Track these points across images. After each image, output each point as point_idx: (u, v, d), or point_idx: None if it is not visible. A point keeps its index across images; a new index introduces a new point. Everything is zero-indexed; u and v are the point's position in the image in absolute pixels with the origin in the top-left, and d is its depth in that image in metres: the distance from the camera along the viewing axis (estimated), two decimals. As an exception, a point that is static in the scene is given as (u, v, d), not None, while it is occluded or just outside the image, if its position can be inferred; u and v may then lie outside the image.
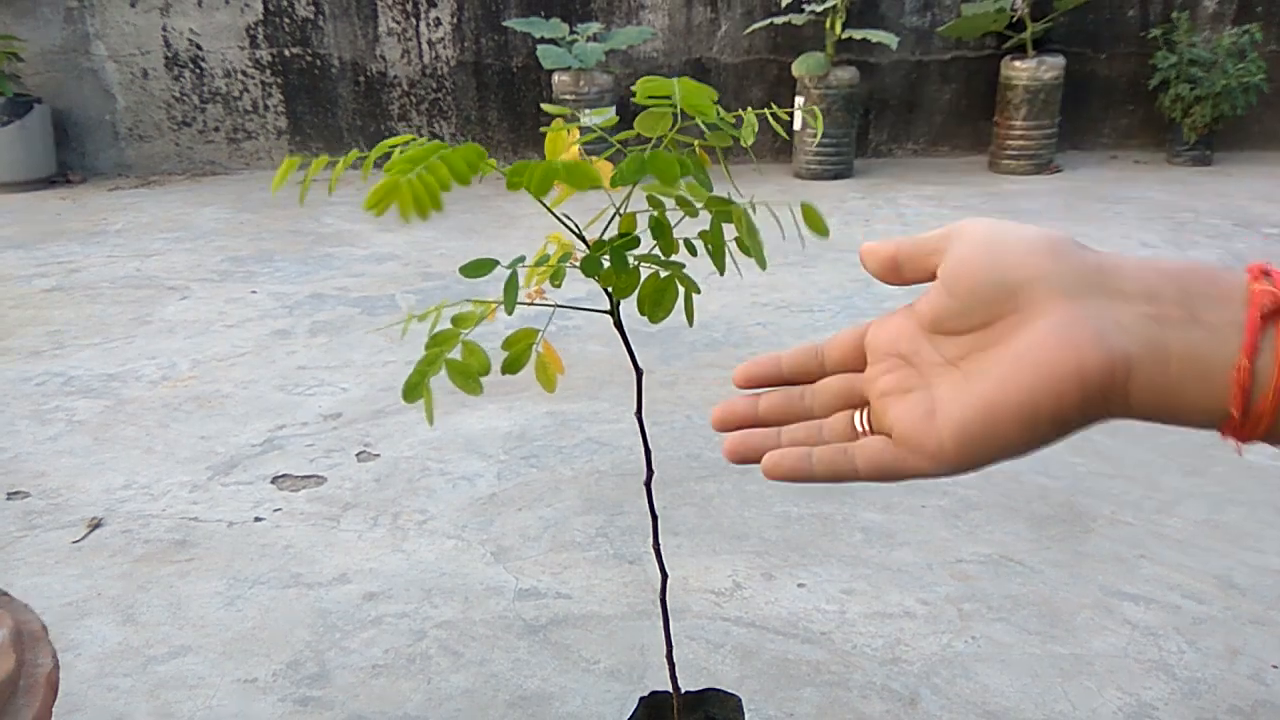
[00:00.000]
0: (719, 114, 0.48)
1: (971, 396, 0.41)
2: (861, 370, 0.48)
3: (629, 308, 0.64)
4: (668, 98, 0.47)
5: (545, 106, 0.54)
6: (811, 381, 0.49)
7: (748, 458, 0.47)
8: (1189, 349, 0.37)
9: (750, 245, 0.52)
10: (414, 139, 0.40)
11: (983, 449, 0.41)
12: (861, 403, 0.48)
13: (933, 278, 0.45)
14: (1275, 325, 0.37)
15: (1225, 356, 0.37)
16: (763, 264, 0.54)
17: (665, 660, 0.91)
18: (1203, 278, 0.38)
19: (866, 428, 0.46)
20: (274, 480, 1.99)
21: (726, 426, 0.49)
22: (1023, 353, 0.39)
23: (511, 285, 0.48)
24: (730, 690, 0.99)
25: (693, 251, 0.56)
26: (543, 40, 4.62)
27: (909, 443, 0.43)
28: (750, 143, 0.49)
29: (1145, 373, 0.38)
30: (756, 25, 4.72)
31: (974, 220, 0.44)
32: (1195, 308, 0.38)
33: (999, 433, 0.40)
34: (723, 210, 0.53)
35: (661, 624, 0.90)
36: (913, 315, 0.46)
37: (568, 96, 4.61)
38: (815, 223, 0.53)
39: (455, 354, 0.48)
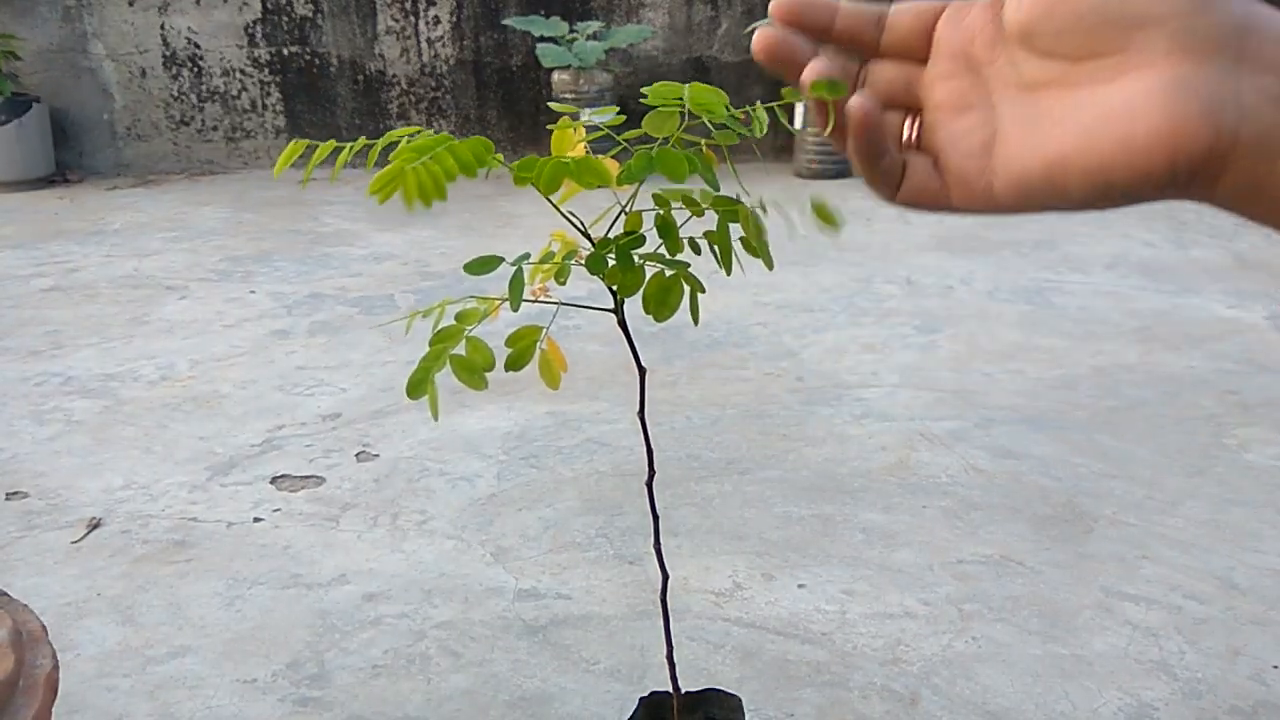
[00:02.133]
0: (728, 110, 0.47)
1: (1039, 146, 0.35)
2: (924, 60, 0.40)
3: (631, 306, 0.64)
4: (679, 99, 0.47)
5: (554, 105, 0.53)
6: (863, 56, 0.41)
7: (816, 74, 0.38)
8: None
9: (757, 245, 0.51)
10: (421, 130, 0.40)
11: (1037, 201, 0.36)
12: (917, 106, 0.40)
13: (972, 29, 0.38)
14: None
15: None
16: (769, 264, 0.53)
17: (665, 660, 0.90)
18: None
19: (914, 139, 0.39)
20: (273, 481, 1.98)
21: (771, 55, 0.40)
22: (1115, 110, 0.33)
23: (517, 282, 0.48)
24: (730, 690, 0.99)
25: (697, 251, 0.56)
26: (542, 39, 4.61)
27: (956, 177, 0.37)
28: (763, 134, 0.48)
29: (1249, 163, 0.32)
30: (757, 23, 4.72)
31: None
32: None
33: (1060, 191, 0.35)
34: (729, 210, 0.53)
35: (662, 624, 0.90)
36: (998, 14, 0.38)
37: (567, 95, 4.61)
38: (827, 218, 0.52)
39: (460, 349, 0.48)
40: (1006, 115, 0.37)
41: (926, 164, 0.38)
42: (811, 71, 0.38)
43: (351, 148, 0.43)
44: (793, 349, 2.61)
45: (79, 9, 4.85)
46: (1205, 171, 0.32)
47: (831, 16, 0.39)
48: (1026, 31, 0.36)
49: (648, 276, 0.56)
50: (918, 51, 0.40)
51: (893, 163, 0.38)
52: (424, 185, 0.36)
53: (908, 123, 0.40)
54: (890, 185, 0.38)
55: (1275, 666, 1.40)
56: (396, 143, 0.44)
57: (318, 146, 0.46)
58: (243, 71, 4.98)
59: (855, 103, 0.36)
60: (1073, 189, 0.34)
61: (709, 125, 0.49)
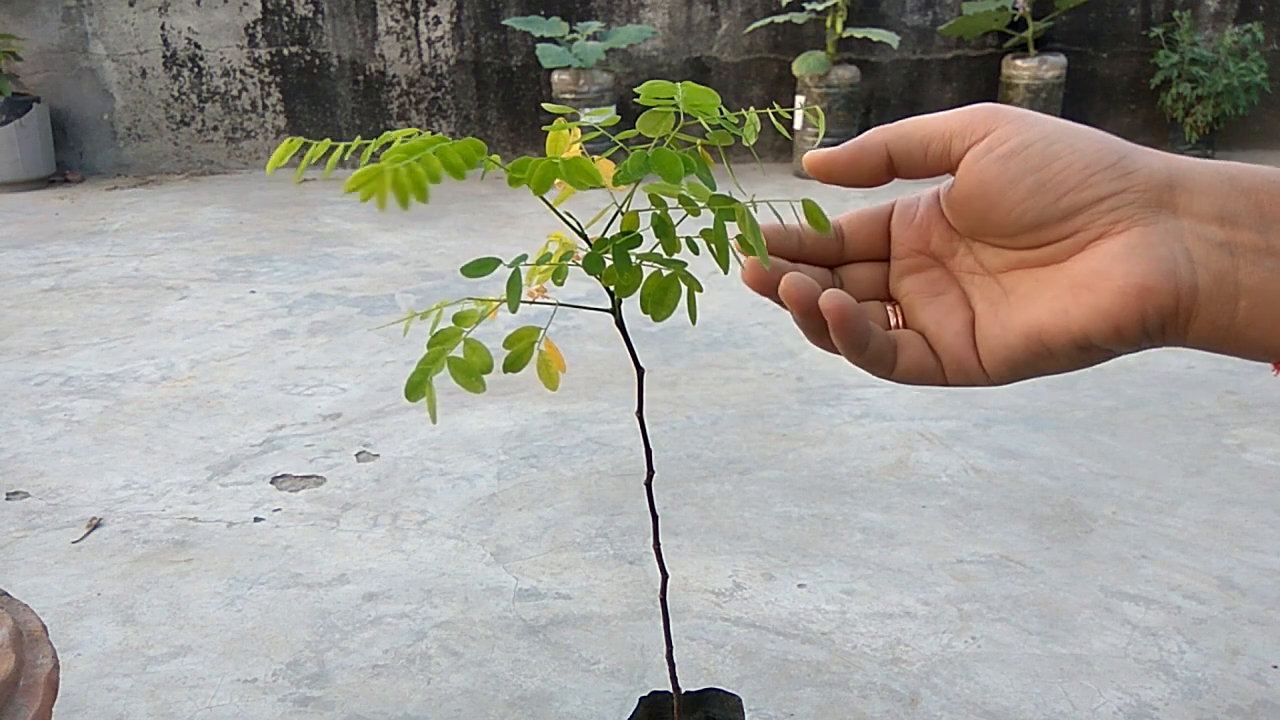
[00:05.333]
0: (722, 113, 0.47)
1: (1019, 321, 0.37)
2: (885, 258, 0.43)
3: (630, 307, 0.64)
4: (670, 99, 0.47)
5: (547, 106, 0.53)
6: (831, 264, 0.44)
7: (801, 299, 0.41)
8: (1261, 283, 0.34)
9: (754, 243, 0.52)
10: (418, 132, 0.40)
11: (1026, 372, 0.38)
12: (892, 297, 0.43)
13: (942, 173, 0.40)
14: None
15: None
16: (766, 262, 0.54)
17: (665, 660, 0.90)
18: None
19: (899, 322, 0.42)
20: (273, 480, 1.98)
21: (760, 289, 0.43)
22: (1081, 281, 0.36)
23: (515, 283, 0.48)
24: (730, 690, 0.99)
25: (695, 250, 0.56)
26: (542, 39, 4.62)
27: (947, 355, 0.39)
28: (753, 142, 0.48)
29: (1211, 308, 0.34)
30: (757, 24, 4.72)
31: (1003, 115, 0.37)
32: (1271, 234, 0.34)
33: (1046, 360, 0.37)
34: (726, 208, 0.53)
35: (662, 624, 0.90)
36: (943, 213, 0.41)
37: (567, 95, 4.61)
38: (817, 219, 0.53)
39: (457, 352, 0.48)
40: (979, 296, 0.39)
41: (919, 341, 0.40)
42: (786, 281, 0.40)
43: (347, 147, 0.43)
44: (792, 349, 2.61)
45: (79, 9, 4.86)
46: (1174, 322, 0.35)
47: (798, 241, 0.43)
48: (971, 233, 0.39)
49: (645, 276, 0.56)
50: (879, 252, 0.43)
51: (881, 344, 0.40)
52: (401, 185, 0.36)
53: (890, 310, 0.42)
54: (884, 365, 0.40)
55: (1275, 666, 1.40)
56: (392, 143, 0.44)
57: (311, 145, 0.46)
58: (243, 72, 4.98)
59: (826, 298, 0.38)
60: (1056, 354, 0.37)
61: (705, 126, 0.49)
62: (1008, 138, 0.37)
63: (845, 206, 3.19)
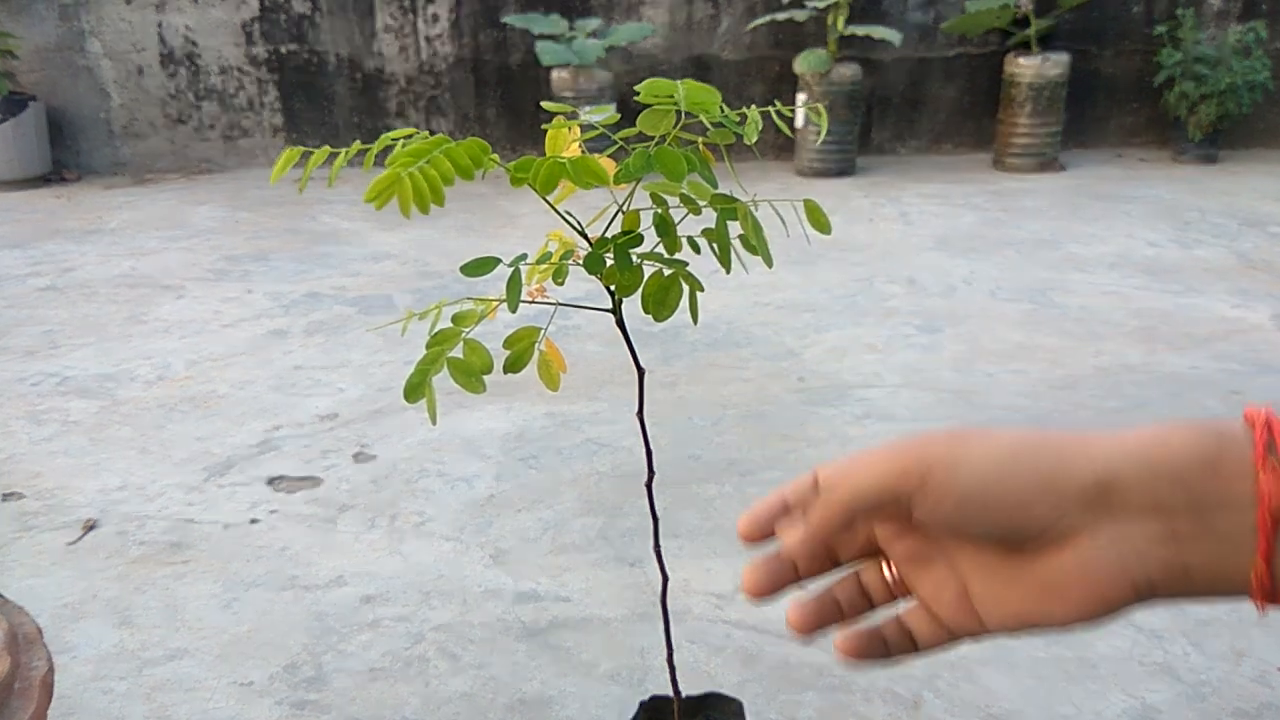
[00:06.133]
0: (723, 111, 0.46)
1: (1009, 607, 0.42)
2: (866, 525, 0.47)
3: (631, 306, 0.63)
4: (671, 97, 0.46)
5: (547, 104, 0.52)
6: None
7: (810, 625, 0.45)
8: (1207, 563, 0.38)
9: (756, 243, 0.50)
10: (417, 132, 0.39)
11: (1024, 633, 0.43)
12: (880, 552, 0.46)
13: (898, 519, 0.43)
14: None
15: (1243, 562, 0.38)
16: (769, 261, 0.52)
17: (666, 663, 0.89)
18: (1206, 471, 0.38)
19: (896, 579, 0.45)
20: (270, 482, 1.97)
21: (760, 589, 0.46)
22: (1051, 587, 0.40)
23: (514, 283, 0.47)
24: (731, 694, 0.98)
25: (696, 249, 0.55)
26: (541, 37, 4.60)
27: (951, 621, 0.43)
28: (755, 141, 0.47)
29: (1169, 588, 0.39)
30: (758, 21, 4.70)
31: (930, 460, 0.41)
32: (1205, 516, 0.38)
33: (1037, 630, 0.42)
34: (728, 208, 0.52)
35: (662, 627, 0.89)
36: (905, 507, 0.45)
37: (567, 93, 4.59)
38: (818, 219, 0.51)
39: (457, 352, 0.47)
40: (965, 567, 0.43)
41: (924, 615, 0.44)
42: (791, 613, 0.44)
43: (347, 153, 0.42)
44: (794, 349, 2.60)
45: (76, 7, 4.84)
46: (1143, 601, 0.40)
47: (784, 506, 0.45)
48: (949, 531, 0.42)
49: (646, 276, 0.55)
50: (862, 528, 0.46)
51: (900, 642, 0.44)
52: (420, 190, 0.35)
53: (885, 569, 0.45)
54: (910, 651, 0.45)
55: (1279, 668, 1.39)
56: (394, 145, 0.43)
57: (313, 153, 0.45)
58: (240, 70, 4.96)
59: (841, 641, 0.44)
60: (1047, 630, 0.42)
61: (706, 124, 0.48)
62: (946, 494, 0.40)
63: (845, 203, 3.13)
